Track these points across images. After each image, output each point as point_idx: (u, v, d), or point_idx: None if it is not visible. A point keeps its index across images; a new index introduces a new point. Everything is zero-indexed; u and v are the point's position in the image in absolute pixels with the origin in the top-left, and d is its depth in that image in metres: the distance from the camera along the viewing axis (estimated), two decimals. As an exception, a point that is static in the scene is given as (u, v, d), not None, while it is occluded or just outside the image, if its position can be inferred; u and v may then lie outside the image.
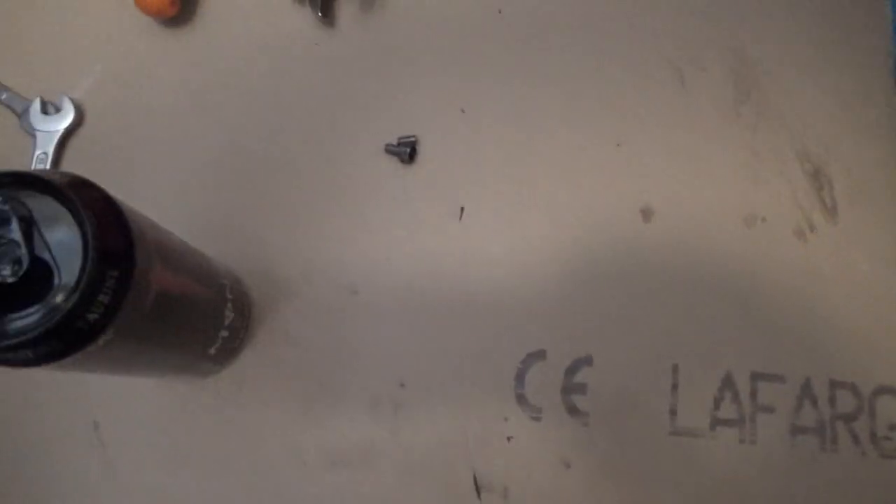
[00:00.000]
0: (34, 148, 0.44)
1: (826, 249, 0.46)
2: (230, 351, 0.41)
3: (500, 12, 0.49)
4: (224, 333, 0.38)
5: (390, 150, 0.46)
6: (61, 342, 0.24)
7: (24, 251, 0.24)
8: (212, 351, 0.37)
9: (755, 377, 0.44)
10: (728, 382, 0.44)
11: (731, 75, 0.49)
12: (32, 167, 0.44)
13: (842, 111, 0.48)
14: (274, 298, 0.44)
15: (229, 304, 0.38)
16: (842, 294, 0.45)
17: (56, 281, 0.24)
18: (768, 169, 0.47)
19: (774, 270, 0.46)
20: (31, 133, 0.45)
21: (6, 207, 0.24)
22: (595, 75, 0.48)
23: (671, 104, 0.48)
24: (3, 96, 0.45)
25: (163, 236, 0.30)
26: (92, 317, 0.25)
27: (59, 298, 0.24)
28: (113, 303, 0.25)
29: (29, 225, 0.24)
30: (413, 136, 0.46)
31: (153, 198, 0.44)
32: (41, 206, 0.25)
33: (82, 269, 0.24)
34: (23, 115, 0.45)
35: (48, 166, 0.44)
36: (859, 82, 0.49)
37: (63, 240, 0.25)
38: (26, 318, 0.24)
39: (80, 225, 0.25)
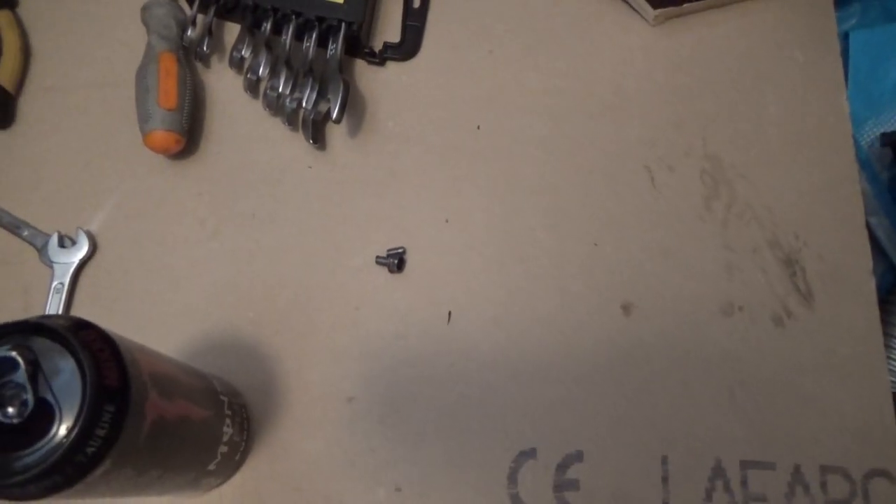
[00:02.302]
0: (52, 279, 0.48)
1: (805, 334, 0.47)
2: (231, 464, 0.43)
3: (478, 128, 0.53)
4: (223, 449, 0.40)
5: (380, 262, 0.49)
6: (62, 476, 0.27)
7: (29, 394, 0.27)
8: (211, 466, 0.39)
9: (745, 465, 0.44)
10: (718, 472, 0.44)
11: (700, 173, 0.51)
12: (49, 297, 0.48)
13: (809, 200, 0.51)
14: (272, 410, 0.46)
15: (227, 420, 0.40)
16: (825, 378, 0.46)
17: (57, 418, 0.27)
18: (741, 259, 0.49)
19: (756, 358, 0.47)
20: (49, 265, 0.48)
21: (14, 354, 0.27)
22: (569, 180, 0.51)
23: (643, 203, 0.51)
24: (25, 233, 0.50)
25: (159, 365, 0.33)
26: (90, 449, 0.27)
27: (60, 435, 0.27)
28: (110, 435, 0.28)
29: (35, 369, 0.27)
30: (401, 248, 0.50)
31: (159, 319, 0.48)
32: (44, 347, 0.28)
33: (81, 406, 0.27)
34: (42, 249, 0.49)
35: (64, 296, 0.47)
36: (824, 172, 0.52)
37: (63, 377, 0.28)
38: (30, 455, 0.26)
39: (80, 365, 0.27)
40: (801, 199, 0.51)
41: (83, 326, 0.29)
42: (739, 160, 0.52)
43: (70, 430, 0.27)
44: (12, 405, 0.27)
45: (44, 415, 0.27)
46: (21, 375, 0.27)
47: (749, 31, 0.56)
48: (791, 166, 0.52)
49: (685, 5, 0.54)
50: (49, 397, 0.27)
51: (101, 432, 0.27)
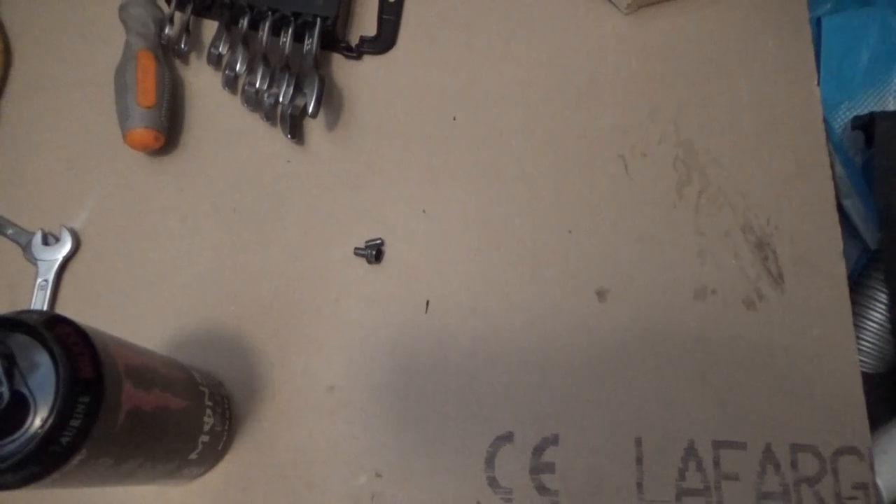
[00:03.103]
0: (36, 276, 0.49)
1: (776, 316, 0.48)
2: (214, 454, 0.44)
3: (454, 119, 0.54)
4: (204, 439, 0.41)
5: (359, 253, 0.50)
6: (38, 465, 0.28)
7: (4, 387, 0.28)
8: (193, 456, 0.40)
9: (717, 445, 0.45)
10: (691, 452, 0.45)
11: (673, 160, 0.52)
12: (34, 294, 0.48)
13: (780, 184, 0.52)
14: (255, 400, 0.47)
15: (208, 411, 0.41)
16: (796, 359, 0.47)
17: (32, 410, 0.28)
18: (714, 244, 0.50)
19: (728, 340, 0.48)
20: (33, 262, 0.49)
21: (-12, 349, 0.28)
22: (544, 169, 0.52)
23: (617, 190, 0.52)
24: (9, 231, 0.50)
25: (136, 357, 0.34)
26: (65, 440, 0.28)
27: (35, 426, 0.28)
28: (84, 425, 0.29)
29: (10, 363, 0.28)
30: (379, 239, 0.50)
31: (143, 313, 0.49)
32: (22, 342, 0.29)
33: (55, 398, 0.28)
34: (26, 247, 0.50)
35: (48, 293, 0.48)
36: (795, 157, 0.52)
37: (40, 371, 0.29)
38: (6, 447, 0.27)
39: (53, 358, 0.28)
40: (773, 183, 0.52)
41: (57, 321, 0.30)
42: (712, 146, 0.53)
43: (45, 421, 0.27)
44: (-13, 398, 0.28)
45: (19, 407, 0.28)
46: (-4, 370, 0.28)
47: (721, 18, 0.56)
48: (763, 152, 0.52)
49: (657, -6, 0.55)
50: (24, 390, 0.28)
51: (75, 423, 0.28)
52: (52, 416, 0.27)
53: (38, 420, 0.28)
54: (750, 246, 0.50)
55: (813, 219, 0.51)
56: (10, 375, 0.28)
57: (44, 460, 0.28)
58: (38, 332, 0.29)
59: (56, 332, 0.29)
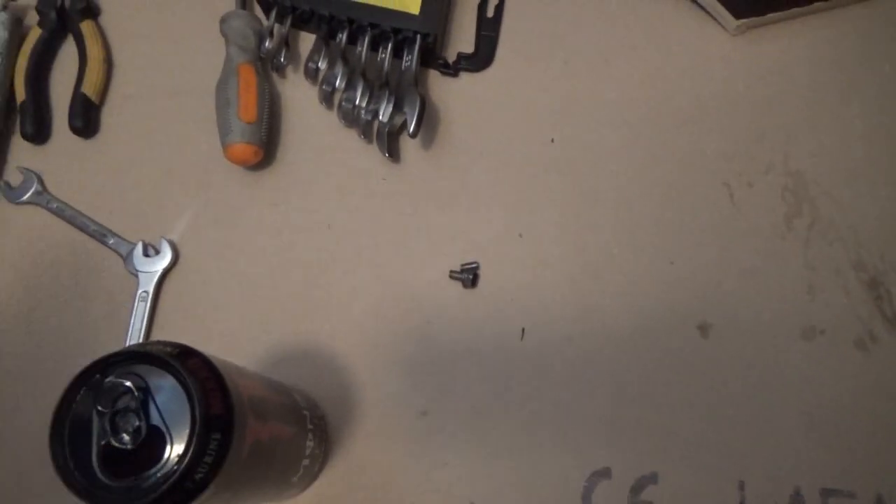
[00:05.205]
0: (137, 287, 0.50)
1: (889, 360, 0.46)
2: (310, 476, 0.44)
3: (552, 141, 0.53)
4: (305, 462, 0.41)
5: (454, 276, 0.49)
6: (172, 501, 0.28)
7: (142, 421, 0.28)
8: (294, 479, 0.40)
9: (825, 493, 0.44)
10: (797, 499, 0.44)
11: (781, 190, 0.50)
12: (135, 306, 0.49)
13: (895, 219, 0.49)
14: (348, 421, 0.47)
15: (310, 434, 0.41)
16: (910, 406, 0.45)
17: (168, 444, 0.28)
18: (824, 280, 0.48)
19: (838, 383, 0.46)
20: (134, 273, 0.50)
21: (127, 383, 0.28)
22: (645, 195, 0.51)
23: (721, 220, 0.50)
24: (111, 241, 0.51)
25: (254, 388, 0.34)
26: (198, 476, 0.28)
27: (171, 462, 0.28)
28: (216, 461, 0.29)
29: (146, 396, 0.28)
30: (475, 262, 0.50)
31: (238, 328, 0.49)
32: (151, 373, 0.29)
33: (191, 434, 0.28)
34: (127, 257, 0.50)
35: (148, 304, 0.49)
36: (912, 189, 0.50)
37: (170, 402, 0.29)
38: (143, 482, 0.27)
39: (188, 394, 0.28)
40: (888, 218, 0.49)
41: (189, 354, 0.30)
42: (823, 177, 0.50)
43: (181, 458, 0.28)
44: (126, 432, 0.28)
45: (154, 441, 0.28)
46: (133, 403, 0.28)
47: (835, 41, 0.54)
48: (878, 184, 0.50)
49: (768, 15, 0.53)
50: (159, 423, 0.28)
51: (208, 459, 0.28)
52: (189, 453, 0.27)
53: (173, 455, 0.28)
54: (862, 284, 0.48)
55: (930, 257, 0.48)
56: (146, 409, 0.28)
57: (177, 496, 0.28)
58: (172, 365, 0.29)
59: (189, 366, 0.29)
